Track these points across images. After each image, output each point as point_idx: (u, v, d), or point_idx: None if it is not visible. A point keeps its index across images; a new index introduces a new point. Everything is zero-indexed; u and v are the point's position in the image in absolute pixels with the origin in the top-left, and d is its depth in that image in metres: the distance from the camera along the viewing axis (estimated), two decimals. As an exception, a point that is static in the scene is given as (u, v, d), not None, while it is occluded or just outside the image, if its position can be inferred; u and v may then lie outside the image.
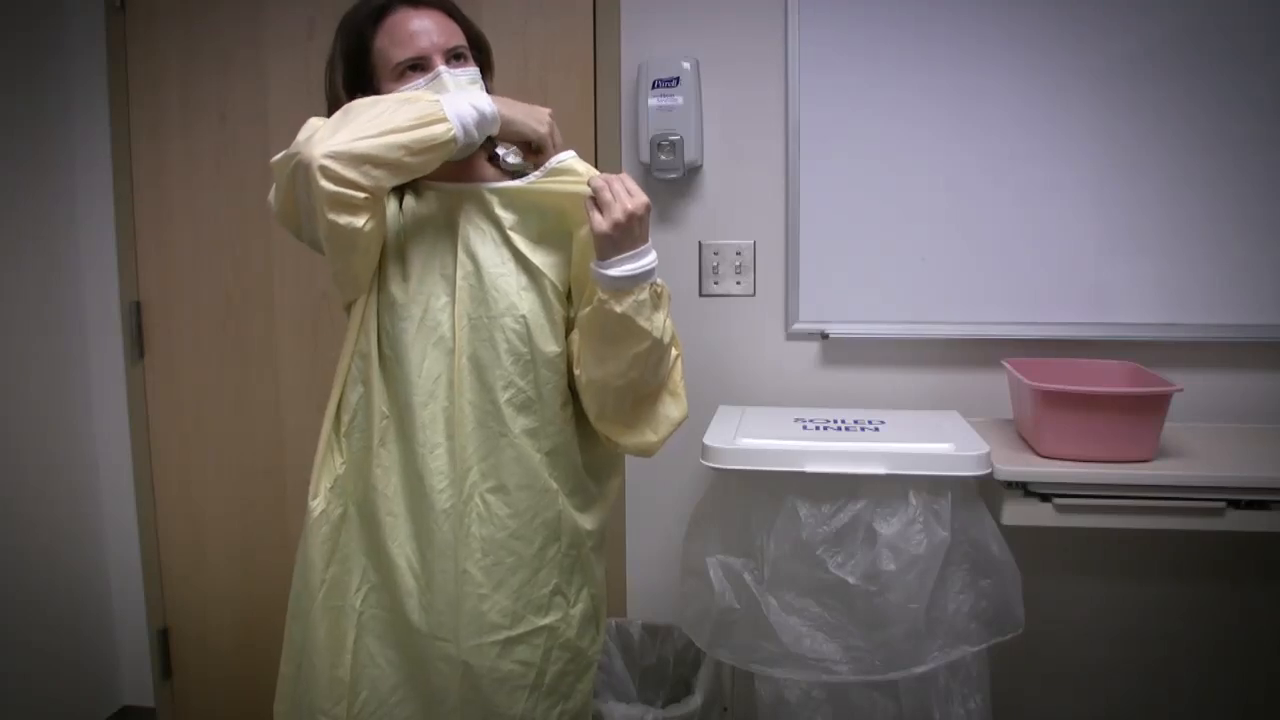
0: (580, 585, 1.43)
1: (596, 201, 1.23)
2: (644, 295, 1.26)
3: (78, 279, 2.38)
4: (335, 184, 1.17)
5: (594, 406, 1.37)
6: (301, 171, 1.18)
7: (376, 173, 1.19)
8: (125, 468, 2.41)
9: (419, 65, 1.32)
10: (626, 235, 1.22)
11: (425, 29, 1.32)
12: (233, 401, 2.34)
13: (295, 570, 1.45)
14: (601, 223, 1.22)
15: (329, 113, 1.33)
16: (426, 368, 1.35)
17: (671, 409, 1.39)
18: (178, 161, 2.30)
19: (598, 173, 1.30)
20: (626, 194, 1.22)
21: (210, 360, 2.34)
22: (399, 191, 1.38)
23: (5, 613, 2.17)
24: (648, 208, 1.24)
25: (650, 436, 1.38)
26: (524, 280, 1.35)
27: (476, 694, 1.36)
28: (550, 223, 1.37)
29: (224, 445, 2.36)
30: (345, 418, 1.39)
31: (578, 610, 1.42)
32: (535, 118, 1.33)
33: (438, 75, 1.31)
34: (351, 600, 1.39)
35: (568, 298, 1.39)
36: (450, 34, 1.35)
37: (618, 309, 1.24)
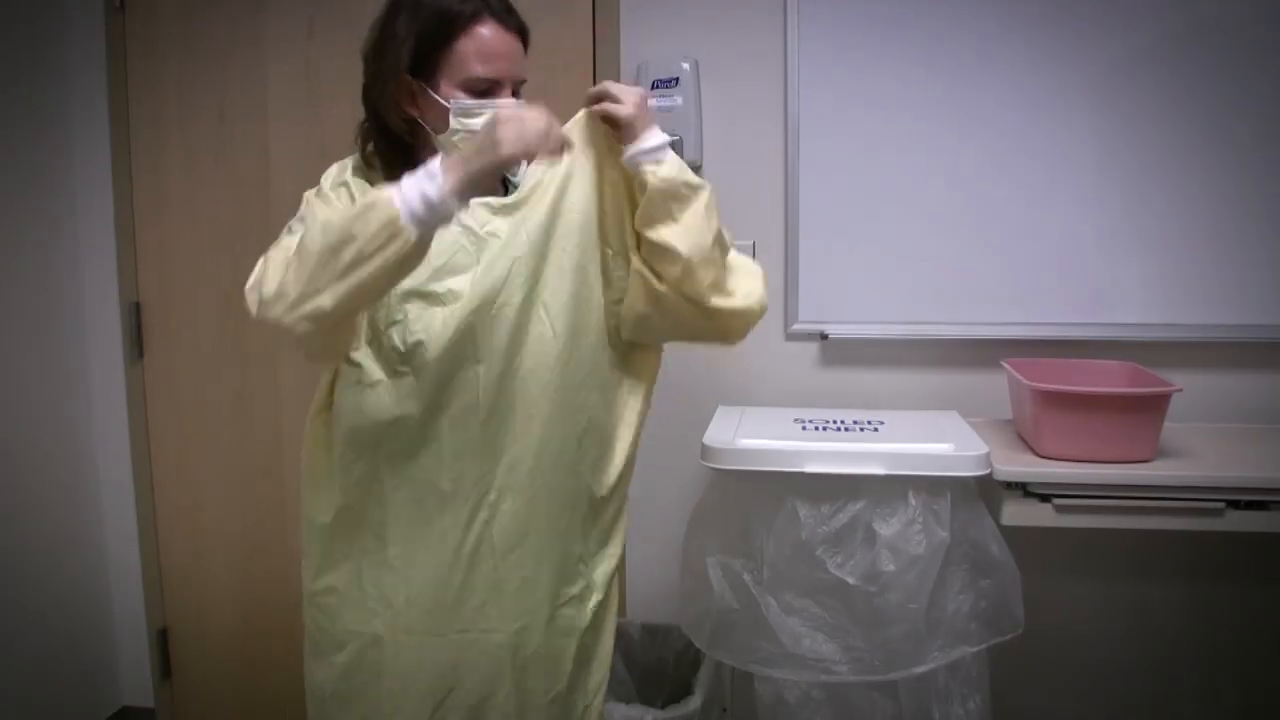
0: (599, 547, 1.46)
1: (608, 99, 1.30)
2: (671, 156, 1.32)
3: (77, 279, 2.37)
4: (316, 336, 1.18)
5: (705, 279, 1.35)
6: (280, 332, 1.18)
7: (353, 307, 1.18)
8: (125, 468, 2.41)
9: (489, 88, 1.28)
10: (643, 112, 1.30)
11: (509, 53, 1.30)
12: (232, 402, 2.34)
13: (310, 608, 1.43)
14: (626, 107, 1.29)
15: (369, 87, 1.31)
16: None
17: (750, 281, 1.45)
18: (177, 161, 2.30)
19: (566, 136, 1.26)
20: (623, 86, 1.32)
21: (210, 360, 2.34)
22: None
23: (4, 613, 2.17)
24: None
25: (757, 284, 1.44)
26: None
27: (524, 675, 1.39)
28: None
29: (223, 445, 2.36)
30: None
31: (600, 574, 1.46)
32: (524, 136, 1.14)
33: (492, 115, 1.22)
34: (375, 627, 1.38)
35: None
36: (523, 66, 1.34)
37: (667, 173, 1.30)
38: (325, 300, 1.13)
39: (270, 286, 1.18)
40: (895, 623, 1.60)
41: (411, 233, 1.11)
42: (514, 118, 1.14)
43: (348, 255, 1.11)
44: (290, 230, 1.30)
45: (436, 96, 1.27)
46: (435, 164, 1.13)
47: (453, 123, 1.27)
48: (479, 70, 1.27)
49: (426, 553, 1.36)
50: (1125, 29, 1.94)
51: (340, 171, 1.37)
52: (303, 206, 1.34)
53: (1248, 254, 1.96)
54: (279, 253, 1.23)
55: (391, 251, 1.11)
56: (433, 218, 1.12)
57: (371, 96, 1.33)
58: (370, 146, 1.36)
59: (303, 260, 1.15)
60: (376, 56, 1.32)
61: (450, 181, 1.11)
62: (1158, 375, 1.80)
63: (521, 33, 1.33)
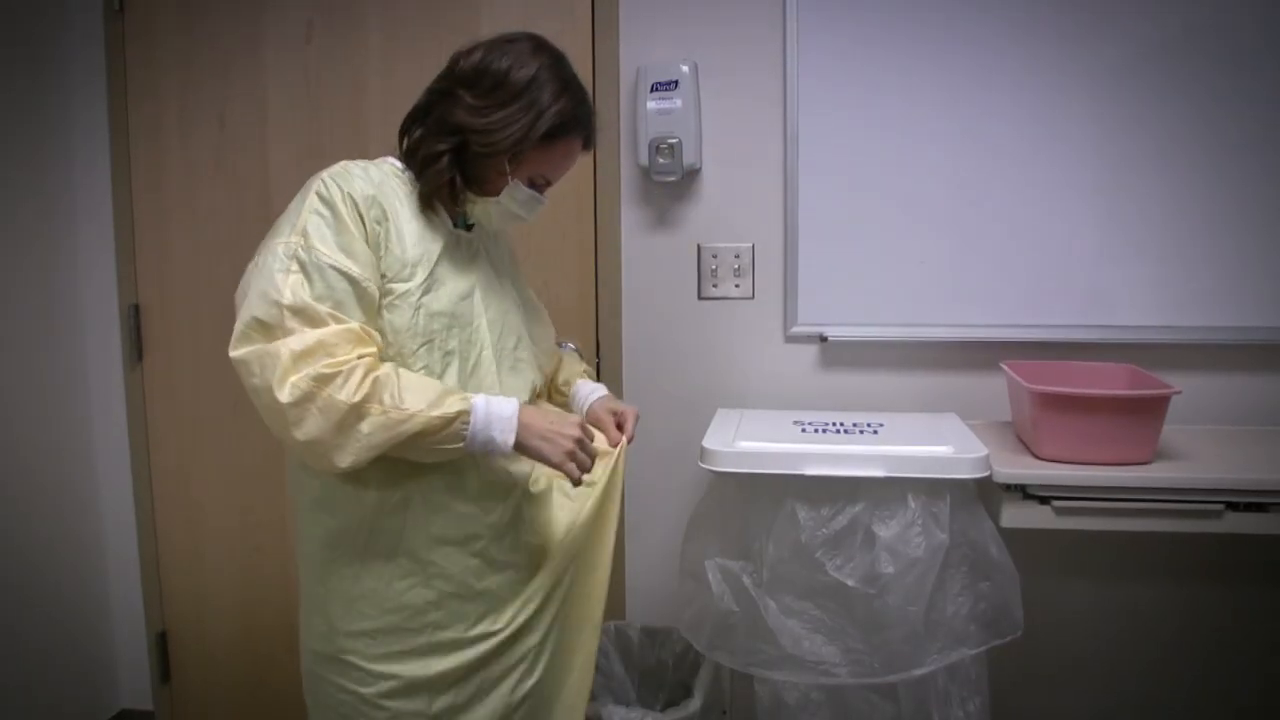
0: None
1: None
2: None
3: (77, 282, 2.37)
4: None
5: None
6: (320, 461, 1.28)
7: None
8: (124, 470, 2.41)
9: (544, 185, 1.43)
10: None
11: (569, 167, 1.44)
12: (231, 404, 2.33)
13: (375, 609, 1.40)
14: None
15: (489, 131, 1.33)
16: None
17: None
18: (176, 164, 2.30)
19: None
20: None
21: (209, 363, 2.33)
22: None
23: (4, 616, 2.17)
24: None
25: None
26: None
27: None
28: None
29: (223, 448, 2.35)
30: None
31: None
32: (556, 447, 1.33)
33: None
34: (463, 633, 1.41)
35: None
36: None
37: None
38: (369, 457, 1.25)
39: (311, 427, 1.23)
40: (894, 625, 1.60)
41: (463, 450, 1.30)
42: (583, 459, 1.35)
43: (407, 445, 1.26)
44: (289, 268, 1.27)
45: (508, 170, 1.36)
46: (513, 416, 1.31)
47: (503, 196, 1.38)
48: (543, 170, 1.40)
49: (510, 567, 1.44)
50: (1123, 33, 1.94)
51: (361, 182, 1.32)
52: (303, 225, 1.28)
53: (1246, 256, 1.96)
54: (290, 343, 1.24)
55: (439, 452, 1.29)
56: (487, 450, 1.31)
57: (485, 140, 1.34)
58: (432, 163, 1.36)
59: (356, 428, 1.23)
60: (512, 111, 1.34)
61: (516, 442, 1.31)
62: (1156, 377, 1.81)
63: (590, 149, 1.46)
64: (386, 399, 1.23)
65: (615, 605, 2.23)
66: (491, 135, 1.32)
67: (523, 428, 1.31)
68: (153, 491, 2.41)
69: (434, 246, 1.37)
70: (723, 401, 2.10)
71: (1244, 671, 2.06)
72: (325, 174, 1.33)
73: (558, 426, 1.34)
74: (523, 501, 1.45)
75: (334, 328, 1.25)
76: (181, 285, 2.33)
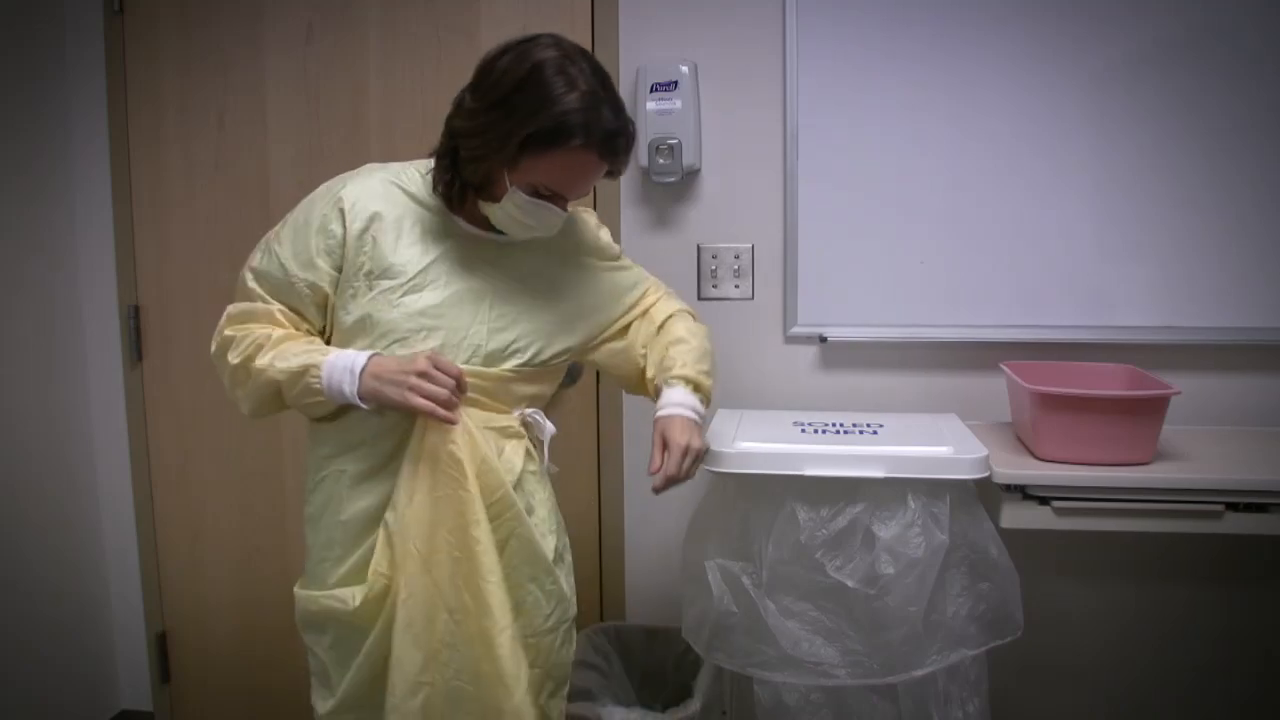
0: None
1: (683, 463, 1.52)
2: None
3: (76, 283, 2.37)
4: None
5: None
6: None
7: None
8: (123, 471, 2.41)
9: (551, 196, 1.34)
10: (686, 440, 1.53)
11: (588, 180, 1.35)
12: (231, 405, 2.32)
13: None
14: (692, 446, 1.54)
15: (470, 135, 1.31)
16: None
17: None
18: (176, 165, 2.30)
19: None
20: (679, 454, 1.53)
21: (209, 363, 2.31)
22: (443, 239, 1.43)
23: (4, 616, 2.17)
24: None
25: None
26: None
27: None
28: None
29: (222, 449, 2.36)
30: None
31: None
32: (396, 388, 1.30)
33: None
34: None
35: None
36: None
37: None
38: (261, 406, 1.43)
39: (223, 378, 1.44)
40: (894, 626, 1.60)
41: (331, 404, 1.36)
42: (431, 389, 1.28)
43: (283, 397, 1.39)
44: (260, 247, 1.44)
45: (507, 177, 1.31)
46: (359, 364, 1.32)
47: (504, 202, 1.33)
48: (552, 184, 1.32)
49: None
50: (1124, 33, 1.94)
51: (361, 185, 1.40)
52: (288, 215, 1.42)
53: (1246, 257, 1.96)
54: (242, 303, 1.44)
55: (313, 404, 1.37)
56: (346, 402, 1.34)
57: (468, 145, 1.32)
58: (442, 167, 1.38)
59: (245, 384, 1.41)
60: (497, 115, 1.28)
61: (361, 390, 1.31)
62: (1156, 378, 1.81)
63: (614, 167, 1.35)
64: (258, 359, 1.37)
65: (615, 605, 2.23)
66: (470, 140, 1.31)
67: (367, 376, 1.31)
68: (152, 492, 2.41)
69: (435, 249, 1.38)
70: (723, 402, 2.09)
71: (1244, 672, 2.06)
72: (343, 174, 1.42)
73: (402, 365, 1.30)
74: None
75: (259, 304, 1.41)
76: (181, 286, 2.33)
